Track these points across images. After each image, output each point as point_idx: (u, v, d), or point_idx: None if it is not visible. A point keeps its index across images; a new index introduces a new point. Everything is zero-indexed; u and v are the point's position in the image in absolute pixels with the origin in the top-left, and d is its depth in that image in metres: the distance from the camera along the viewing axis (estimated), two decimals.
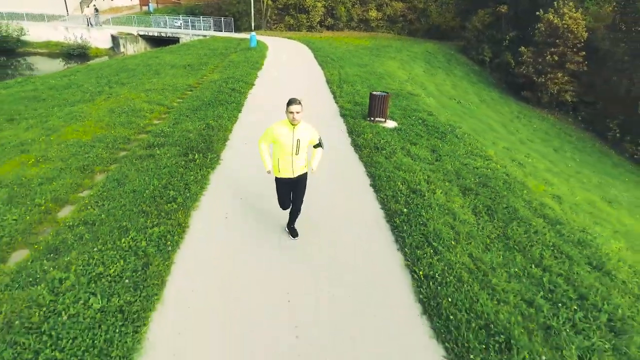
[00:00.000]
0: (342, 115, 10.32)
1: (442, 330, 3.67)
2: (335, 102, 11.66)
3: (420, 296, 4.10)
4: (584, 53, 23.14)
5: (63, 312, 3.51)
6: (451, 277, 4.26)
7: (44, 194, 5.68)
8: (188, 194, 5.69)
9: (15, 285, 3.96)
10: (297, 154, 4.40)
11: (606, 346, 3.65)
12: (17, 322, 3.45)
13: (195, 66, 15.97)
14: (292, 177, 4.56)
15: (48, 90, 11.67)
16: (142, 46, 33.41)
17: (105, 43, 32.96)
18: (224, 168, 6.88)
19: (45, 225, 5.11)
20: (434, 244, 4.83)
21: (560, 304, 4.11)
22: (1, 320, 3.53)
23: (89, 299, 3.68)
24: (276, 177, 4.64)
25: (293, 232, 5.00)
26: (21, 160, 6.73)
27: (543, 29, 23.56)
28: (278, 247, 4.81)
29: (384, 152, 7.63)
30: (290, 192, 4.75)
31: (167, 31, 33.44)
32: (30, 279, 4.04)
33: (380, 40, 33.07)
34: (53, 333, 3.29)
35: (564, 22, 22.59)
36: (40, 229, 5.04)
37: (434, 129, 9.53)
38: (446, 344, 3.55)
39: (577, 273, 4.68)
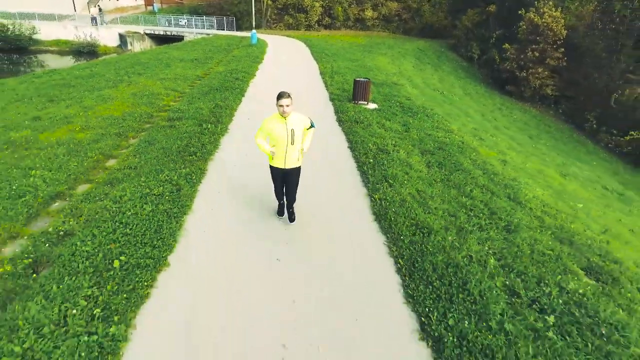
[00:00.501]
0: (331, 100, 11.97)
1: (385, 227, 5.33)
2: (327, 89, 13.31)
3: (374, 210, 5.76)
4: (562, 49, 24.75)
5: (126, 212, 5.16)
6: (398, 199, 5.92)
7: (93, 149, 7.34)
8: (205, 150, 7.35)
9: (88, 201, 5.62)
10: (292, 143, 4.60)
11: (499, 237, 5.30)
12: (95, 216, 5.12)
13: (202, 60, 17.63)
14: (283, 167, 4.81)
15: (75, 79, 13.34)
16: (148, 44, 35.08)
17: (113, 41, 34.65)
18: (231, 135, 8.53)
19: (98, 170, 6.76)
20: (390, 181, 6.48)
21: (474, 216, 5.76)
22: (83, 218, 5.19)
23: (142, 206, 5.33)
24: (270, 165, 4.94)
25: (290, 217, 5.35)
26: (69, 128, 8.38)
27: (525, 27, 25.18)
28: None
29: (362, 124, 9.29)
30: (283, 183, 5.03)
31: (172, 30, 35.11)
32: (97, 197, 5.70)
33: (374, 38, 34.71)
34: (122, 221, 4.95)
35: (543, 20, 24.21)
36: (95, 172, 6.69)
37: (409, 109, 11.18)
38: (387, 235, 5.20)
39: (495, 201, 6.33)
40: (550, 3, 24.84)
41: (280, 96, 4.39)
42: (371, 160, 7.22)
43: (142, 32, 34.58)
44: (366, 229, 5.35)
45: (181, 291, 4.06)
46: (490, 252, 4.92)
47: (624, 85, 23.97)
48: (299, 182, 5.13)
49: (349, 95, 12.18)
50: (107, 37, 34.50)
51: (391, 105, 11.47)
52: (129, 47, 33.75)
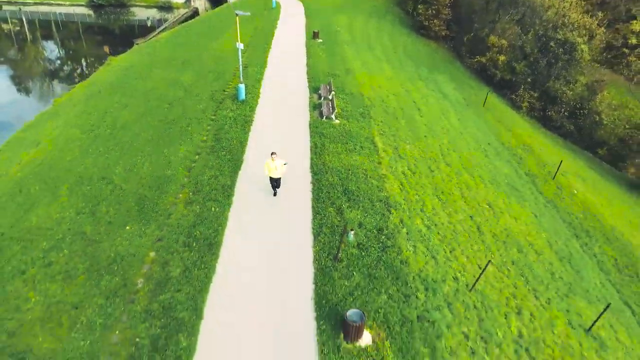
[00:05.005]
0: (305, 39, 32.04)
1: (308, 62, 25.97)
2: (305, 35, 33.32)
3: (307, 55, 26.38)
4: (449, 8, 43.19)
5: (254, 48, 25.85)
6: (313, 51, 26.49)
7: (245, 38, 27.85)
8: (269, 37, 27.85)
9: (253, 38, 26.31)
10: (276, 169, 12.36)
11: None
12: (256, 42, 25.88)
13: (250, 20, 37.36)
14: (275, 177, 12.66)
15: (208, 30, 33.38)
16: (203, 1, 53.89)
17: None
18: (274, 44, 28.84)
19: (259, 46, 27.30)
20: (313, 56, 26.99)
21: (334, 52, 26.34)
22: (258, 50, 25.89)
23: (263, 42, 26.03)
24: (269, 176, 12.75)
25: (275, 192, 13.35)
26: (229, 39, 28.82)
27: None
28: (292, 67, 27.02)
29: (313, 46, 29.62)
30: (274, 183, 12.96)
31: None
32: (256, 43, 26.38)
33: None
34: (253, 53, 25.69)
35: None
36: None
37: (334, 42, 31.24)
38: (309, 78, 25.84)
39: (334, 54, 26.83)
40: None
41: (272, 153, 12.23)
42: (310, 49, 27.77)
43: None
44: (302, 70, 25.86)
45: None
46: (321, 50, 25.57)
47: (480, 27, 42.75)
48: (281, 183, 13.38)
49: (310, 35, 32.23)
50: None
51: (329, 40, 31.51)
52: (192, 3, 52.73)
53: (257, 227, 12.06)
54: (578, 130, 35.24)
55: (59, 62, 50.07)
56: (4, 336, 9.03)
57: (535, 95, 37.22)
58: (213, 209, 12.54)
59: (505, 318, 11.97)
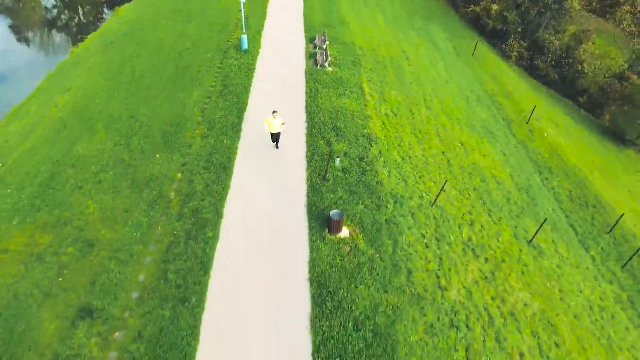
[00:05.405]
0: None
1: (305, 13, 27.58)
2: None
3: (304, 6, 27.97)
4: None
5: None
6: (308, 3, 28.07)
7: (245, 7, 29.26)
8: (265, 1, 29.28)
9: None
10: (277, 125, 13.72)
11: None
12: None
13: None
14: (274, 132, 14.08)
15: None
16: None
17: None
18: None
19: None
20: (310, 8, 28.49)
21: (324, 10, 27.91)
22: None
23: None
24: (270, 132, 14.20)
25: (277, 145, 14.97)
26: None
27: None
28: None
29: None
30: (274, 138, 14.48)
31: None
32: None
33: None
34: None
35: None
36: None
37: None
38: (306, 29, 27.44)
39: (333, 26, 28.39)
40: None
41: (273, 112, 13.57)
42: (308, 9, 29.18)
43: None
44: (302, 43, 27.46)
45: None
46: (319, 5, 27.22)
47: None
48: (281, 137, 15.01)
49: None
50: None
51: None
52: None
53: (261, 155, 14.92)
54: (562, 79, 37.08)
55: (56, 10, 50.55)
56: (76, 231, 12.17)
57: (525, 45, 38.60)
58: (225, 141, 15.31)
59: (459, 228, 15.11)
